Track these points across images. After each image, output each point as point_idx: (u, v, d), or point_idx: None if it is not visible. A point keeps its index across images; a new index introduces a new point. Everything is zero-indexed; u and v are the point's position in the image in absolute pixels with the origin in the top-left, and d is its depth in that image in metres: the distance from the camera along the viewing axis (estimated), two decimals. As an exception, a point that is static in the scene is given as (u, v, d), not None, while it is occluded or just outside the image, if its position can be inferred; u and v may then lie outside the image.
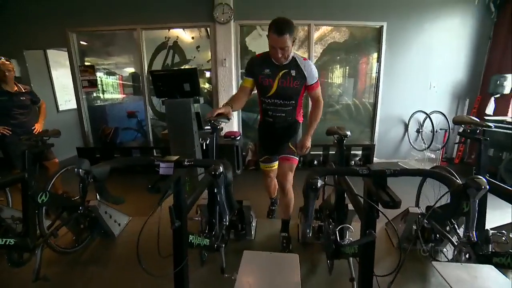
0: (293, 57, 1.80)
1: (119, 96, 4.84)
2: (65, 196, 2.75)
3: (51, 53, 4.79)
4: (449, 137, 4.25)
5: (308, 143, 1.78)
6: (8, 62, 2.61)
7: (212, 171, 0.74)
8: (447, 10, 4.09)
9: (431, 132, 4.26)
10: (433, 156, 4.24)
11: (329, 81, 4.50)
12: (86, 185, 0.83)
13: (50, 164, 2.85)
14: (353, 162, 4.28)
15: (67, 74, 4.61)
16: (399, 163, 4.51)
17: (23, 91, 2.75)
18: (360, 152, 4.41)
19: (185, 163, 0.85)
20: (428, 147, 4.28)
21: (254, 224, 2.34)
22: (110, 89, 4.81)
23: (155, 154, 4.41)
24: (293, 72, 1.80)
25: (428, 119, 4.31)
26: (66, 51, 4.34)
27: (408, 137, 4.51)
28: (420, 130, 4.45)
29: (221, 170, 0.74)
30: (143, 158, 0.94)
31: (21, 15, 4.18)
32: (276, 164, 2.10)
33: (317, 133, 4.32)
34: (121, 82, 4.75)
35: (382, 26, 4.09)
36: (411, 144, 4.51)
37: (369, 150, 4.22)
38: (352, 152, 4.32)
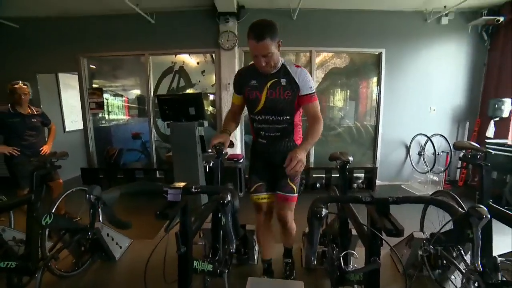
0: (282, 64, 1.57)
1: (124, 117, 4.95)
2: (67, 217, 2.75)
3: (62, 76, 4.98)
4: (451, 160, 4.26)
5: (301, 157, 1.28)
6: (25, 86, 2.73)
7: (220, 199, 0.76)
8: (441, 37, 4.26)
9: (433, 154, 4.27)
10: (436, 178, 4.23)
11: (331, 104, 4.60)
12: (96, 210, 0.85)
13: (55, 184, 2.88)
14: (355, 185, 4.27)
15: (75, 95, 4.77)
16: (402, 186, 4.49)
17: (35, 113, 2.85)
18: (362, 175, 4.40)
19: (193, 189, 0.87)
20: (430, 170, 4.28)
21: (257, 248, 2.30)
22: (116, 110, 4.93)
23: (158, 175, 4.43)
24: (283, 81, 1.55)
25: (429, 142, 4.35)
26: (76, 74, 4.52)
27: (410, 159, 4.53)
28: (422, 153, 4.48)
29: (229, 199, 0.76)
30: (152, 184, 0.97)
31: (36, 41, 4.41)
32: (269, 195, 1.75)
33: (319, 156, 4.41)
34: (126, 104, 4.88)
35: (381, 52, 4.25)
36: (414, 167, 4.51)
37: (371, 173, 4.22)
38: (354, 174, 4.32)
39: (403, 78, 4.34)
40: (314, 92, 1.57)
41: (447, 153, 4.29)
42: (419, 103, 4.41)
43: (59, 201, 2.16)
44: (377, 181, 4.25)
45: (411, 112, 4.42)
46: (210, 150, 1.61)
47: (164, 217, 0.79)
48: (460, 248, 1.76)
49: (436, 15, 4.08)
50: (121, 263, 2.27)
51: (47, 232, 1.94)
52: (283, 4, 3.97)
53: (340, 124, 4.62)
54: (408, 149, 4.53)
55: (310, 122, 1.55)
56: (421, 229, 2.13)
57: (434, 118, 4.44)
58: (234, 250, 0.78)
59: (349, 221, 1.61)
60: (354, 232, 1.65)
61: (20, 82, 2.73)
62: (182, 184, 0.87)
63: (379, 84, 4.37)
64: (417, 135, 4.44)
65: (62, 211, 2.85)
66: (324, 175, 4.29)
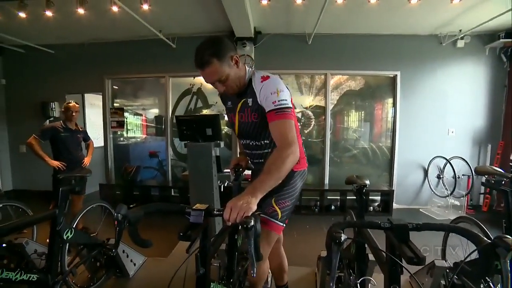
0: (251, 79, 1.29)
1: (143, 136, 5.12)
2: (84, 232, 2.81)
3: (87, 96, 5.28)
4: (473, 184, 4.10)
5: (235, 203, 0.89)
6: (77, 105, 3.06)
7: (244, 224, 0.77)
8: (458, 59, 4.25)
9: (453, 178, 4.13)
10: (457, 203, 4.05)
11: (346, 126, 4.60)
12: (122, 229, 0.89)
13: (77, 198, 3.01)
14: (371, 208, 4.16)
15: (97, 113, 5.02)
16: (420, 210, 4.32)
17: (80, 129, 3.15)
18: (378, 198, 4.29)
19: (215, 212, 0.90)
20: (451, 194, 4.11)
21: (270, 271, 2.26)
22: (135, 129, 5.13)
23: (173, 193, 4.51)
24: (249, 101, 1.29)
25: (448, 164, 4.21)
26: (100, 94, 4.79)
27: (429, 182, 4.38)
28: (441, 176, 4.33)
29: (252, 224, 0.77)
30: (174, 205, 1.00)
31: (68, 65, 4.75)
32: None
33: (334, 177, 4.36)
34: (145, 123, 5.06)
35: (396, 75, 4.27)
36: (432, 190, 4.35)
37: (388, 196, 4.11)
38: (370, 197, 4.22)
39: (419, 100, 4.32)
40: (281, 108, 1.19)
41: (468, 176, 4.13)
42: (436, 125, 4.33)
43: (79, 217, 2.24)
44: (394, 204, 4.13)
45: (428, 134, 4.34)
46: (226, 171, 1.64)
47: (187, 238, 0.81)
48: (489, 280, 1.66)
49: (451, 38, 4.10)
50: (135, 281, 2.28)
51: (67, 247, 2.00)
52: (299, 30, 4.13)
53: (355, 145, 4.58)
54: (426, 172, 4.40)
55: (276, 148, 1.20)
56: (443, 257, 2.04)
57: (453, 140, 4.34)
58: (255, 275, 0.78)
59: (366, 246, 1.57)
60: (371, 257, 1.60)
61: (73, 101, 3.08)
62: (204, 206, 0.90)
63: (394, 105, 4.35)
64: (435, 157, 4.33)
65: (80, 225, 2.93)
66: (339, 197, 4.22)
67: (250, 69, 1.34)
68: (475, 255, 0.96)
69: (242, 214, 0.85)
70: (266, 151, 1.41)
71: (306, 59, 4.30)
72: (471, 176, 4.09)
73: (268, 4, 3.24)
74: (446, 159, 4.23)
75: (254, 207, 0.90)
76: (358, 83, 4.47)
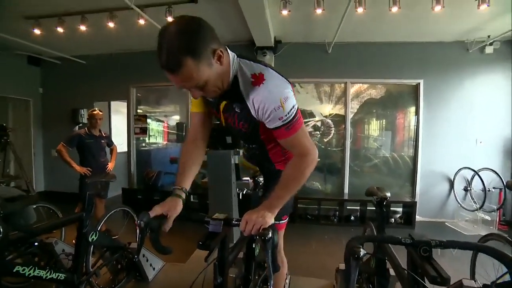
0: (235, 76, 0.98)
1: (164, 142, 5.28)
2: (107, 235, 2.93)
3: (113, 103, 5.55)
4: (505, 198, 3.84)
5: (250, 217, 0.89)
6: (101, 113, 3.24)
7: (262, 235, 0.79)
8: (486, 66, 4.06)
9: (482, 191, 3.90)
10: (488, 218, 3.81)
11: (366, 134, 4.50)
12: (144, 236, 0.93)
13: (100, 202, 3.14)
14: (393, 219, 4.01)
15: (122, 120, 5.25)
16: (446, 223, 4.10)
17: (104, 135, 3.32)
18: (400, 209, 4.13)
19: (234, 222, 0.92)
20: (480, 208, 3.88)
21: (287, 281, 2.23)
22: (156, 135, 5.31)
23: (192, 199, 4.60)
24: (236, 107, 1.05)
25: (477, 177, 3.98)
26: (125, 101, 5.02)
27: (455, 195, 4.16)
28: (469, 188, 4.10)
29: (270, 235, 0.78)
30: (194, 213, 1.03)
31: (97, 74, 5.04)
32: None
33: (354, 187, 4.26)
34: (166, 130, 5.22)
35: (419, 83, 4.15)
36: (459, 203, 4.12)
37: (410, 208, 3.95)
38: (392, 208, 4.07)
39: (444, 109, 4.15)
40: (290, 121, 0.98)
41: (500, 189, 3.88)
42: (463, 134, 4.14)
43: (104, 220, 2.34)
44: (417, 216, 3.96)
45: (453, 144, 4.15)
46: (245, 179, 1.65)
47: (206, 248, 0.84)
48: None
49: (479, 44, 3.93)
50: (154, 285, 2.33)
51: (91, 249, 2.09)
52: (318, 39, 4.13)
53: (376, 154, 4.46)
54: (452, 183, 4.19)
55: (295, 157, 1.06)
56: (472, 277, 1.92)
57: (482, 151, 4.11)
58: (272, 287, 0.79)
59: (386, 260, 1.53)
60: (392, 272, 1.55)
61: (97, 109, 3.25)
62: (222, 216, 0.92)
63: (417, 114, 4.22)
64: (462, 168, 4.11)
65: (103, 227, 3.06)
66: (359, 208, 4.11)
67: (234, 58, 0.99)
68: (508, 276, 0.92)
69: (258, 228, 0.85)
70: (255, 152, 1.37)
71: (326, 67, 4.28)
72: (503, 189, 3.85)
73: (288, 14, 3.28)
74: (474, 170, 4.01)
75: (270, 221, 0.89)
76: (379, 91, 4.38)
